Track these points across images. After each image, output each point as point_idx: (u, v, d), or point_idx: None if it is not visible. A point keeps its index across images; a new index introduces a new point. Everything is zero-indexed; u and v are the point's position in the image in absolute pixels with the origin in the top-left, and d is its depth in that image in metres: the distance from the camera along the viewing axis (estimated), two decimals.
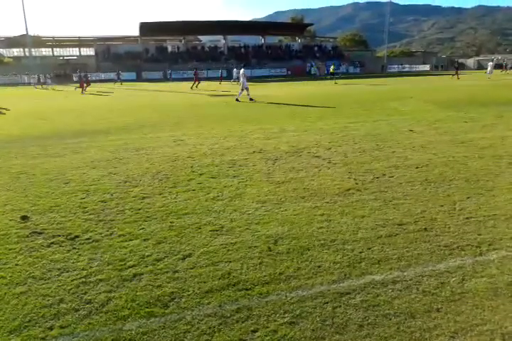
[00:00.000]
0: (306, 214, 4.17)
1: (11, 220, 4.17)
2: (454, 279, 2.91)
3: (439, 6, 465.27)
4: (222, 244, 3.54)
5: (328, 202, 4.52)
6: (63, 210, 4.43)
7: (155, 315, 2.59)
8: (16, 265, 3.24)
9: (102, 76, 45.80)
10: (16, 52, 60.36)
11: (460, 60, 62.83)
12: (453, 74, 34.78)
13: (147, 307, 2.67)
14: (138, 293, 2.83)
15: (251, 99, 16.84)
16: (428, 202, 4.45)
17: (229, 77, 37.15)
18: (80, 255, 3.40)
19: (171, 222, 4.05)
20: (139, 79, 46.82)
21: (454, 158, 6.30)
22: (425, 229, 3.76)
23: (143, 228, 3.92)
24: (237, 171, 5.88)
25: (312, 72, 52.75)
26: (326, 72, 54.49)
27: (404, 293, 2.76)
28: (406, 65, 64.21)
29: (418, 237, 3.59)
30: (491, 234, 3.62)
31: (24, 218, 4.22)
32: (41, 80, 34.87)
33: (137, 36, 57.43)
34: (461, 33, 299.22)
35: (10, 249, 3.52)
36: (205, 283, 2.94)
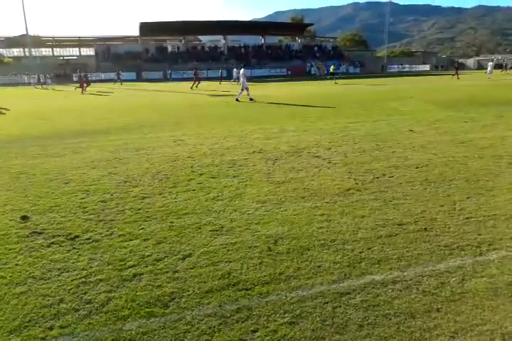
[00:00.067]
0: (306, 214, 4.17)
1: (11, 220, 4.18)
2: (454, 279, 2.91)
3: (439, 6, 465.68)
4: (222, 244, 3.54)
5: (328, 202, 4.52)
6: (63, 210, 4.43)
7: (155, 315, 2.59)
8: (16, 265, 3.24)
9: (102, 76, 45.79)
10: (16, 52, 60.38)
11: (460, 60, 62.84)
12: (453, 74, 34.81)
13: (147, 307, 2.67)
14: (138, 293, 2.83)
15: (251, 99, 16.84)
16: (428, 202, 4.45)
17: (229, 77, 37.15)
18: (80, 255, 3.40)
19: (171, 222, 4.05)
20: (139, 79, 46.84)
21: (454, 158, 6.31)
22: (425, 229, 3.76)
23: (143, 228, 3.92)
24: (237, 171, 5.88)
25: (312, 72, 52.79)
26: (326, 72, 54.53)
27: (404, 293, 2.76)
28: (406, 65, 64.23)
29: (418, 237, 3.59)
30: (491, 234, 3.62)
31: (24, 218, 4.22)
32: (41, 80, 34.80)
33: (137, 36, 57.45)
34: (461, 33, 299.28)
35: (10, 249, 3.52)
36: (205, 283, 2.94)
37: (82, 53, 63.31)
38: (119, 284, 2.95)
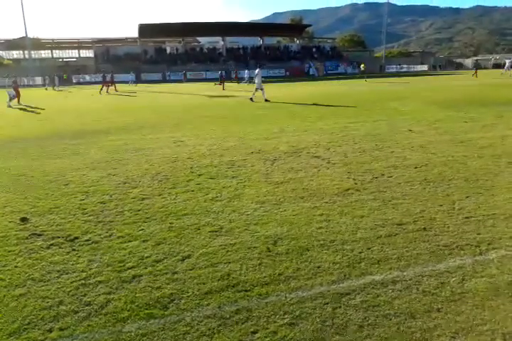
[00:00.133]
0: (305, 215, 4.16)
1: (10, 222, 4.17)
2: (453, 279, 2.91)
3: (437, 7, 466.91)
4: (221, 245, 3.54)
5: (327, 202, 4.51)
6: (63, 212, 4.42)
7: (154, 316, 2.58)
8: (16, 267, 3.23)
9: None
10: (15, 54, 60.38)
11: (458, 60, 63.01)
12: (473, 74, 35.63)
13: (146, 309, 2.66)
14: (137, 295, 2.82)
15: (266, 100, 16.84)
16: (427, 201, 4.45)
17: (228, 79, 37.16)
18: (79, 257, 3.39)
19: (170, 223, 4.04)
20: (138, 80, 46.83)
21: (454, 158, 6.31)
22: (424, 228, 3.76)
23: (142, 229, 3.92)
24: (236, 172, 5.88)
25: (311, 73, 52.92)
26: (324, 72, 54.67)
27: (404, 293, 2.76)
28: (404, 65, 64.40)
29: (417, 237, 3.59)
30: (491, 234, 3.61)
31: (23, 220, 4.21)
32: (55, 82, 34.13)
33: (136, 38, 57.53)
34: (459, 33, 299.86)
35: (9, 251, 3.51)
36: (204, 284, 2.94)
37: (82, 55, 63.34)
38: (119, 286, 2.94)
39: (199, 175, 5.75)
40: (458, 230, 3.71)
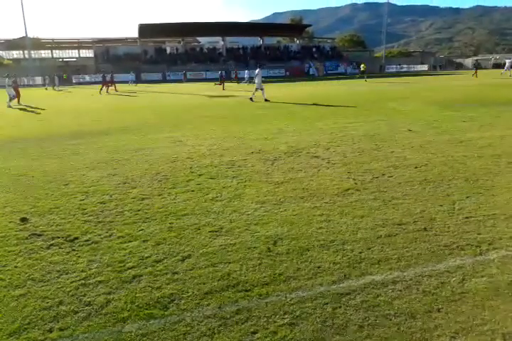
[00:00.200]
0: (305, 215, 4.16)
1: (10, 222, 4.16)
2: (454, 279, 2.90)
3: (437, 7, 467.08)
4: (221, 245, 3.54)
5: (327, 202, 4.51)
6: (62, 212, 4.42)
7: (154, 316, 2.58)
8: (15, 267, 3.23)
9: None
10: (15, 54, 60.38)
11: (458, 60, 63.03)
12: (473, 74, 35.58)
13: (147, 309, 2.66)
14: (137, 295, 2.82)
15: (266, 100, 16.86)
16: (427, 201, 4.45)
17: (228, 79, 37.16)
18: (79, 257, 3.39)
19: (170, 223, 4.04)
20: (138, 80, 46.82)
21: (453, 158, 6.31)
22: (425, 228, 3.76)
23: (142, 229, 3.91)
24: (236, 172, 5.88)
25: (311, 73, 52.95)
26: (324, 72, 54.69)
27: (404, 293, 2.75)
28: (404, 65, 64.41)
29: (418, 237, 3.59)
30: (491, 234, 3.61)
31: (23, 220, 4.21)
32: (55, 82, 34.07)
33: (136, 38, 57.51)
34: (459, 33, 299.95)
35: (9, 251, 3.51)
36: (204, 284, 2.94)
37: (82, 55, 63.34)
38: (119, 286, 2.94)
39: (199, 175, 5.75)
40: (458, 230, 3.70)
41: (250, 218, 4.12)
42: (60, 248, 3.56)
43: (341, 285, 2.87)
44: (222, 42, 59.16)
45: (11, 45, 58.92)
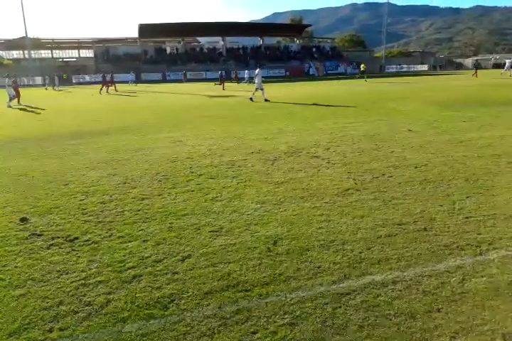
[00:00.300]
0: (305, 215, 4.16)
1: (10, 222, 4.16)
2: (454, 279, 2.90)
3: (437, 7, 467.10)
4: (221, 245, 3.53)
5: (327, 203, 4.51)
6: (62, 212, 4.42)
7: (154, 316, 2.58)
8: (16, 267, 3.23)
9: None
10: (15, 54, 60.38)
11: (458, 60, 63.03)
12: (473, 74, 35.52)
13: (147, 309, 2.66)
14: (137, 295, 2.82)
15: (266, 100, 16.86)
16: (427, 201, 4.45)
17: (228, 78, 37.16)
18: (79, 257, 3.39)
19: (170, 223, 4.04)
20: (138, 80, 46.83)
21: (453, 158, 6.31)
22: (425, 228, 3.76)
23: (142, 229, 3.91)
24: (236, 172, 5.88)
25: (311, 73, 52.96)
26: (324, 72, 54.71)
27: (404, 293, 2.75)
28: (404, 65, 64.42)
29: (418, 237, 3.59)
30: (491, 234, 3.61)
31: (23, 220, 4.21)
32: (55, 82, 34.00)
33: (136, 38, 57.51)
34: (459, 33, 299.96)
35: (9, 251, 3.51)
36: (204, 284, 2.94)
37: (82, 55, 63.34)
38: (119, 286, 2.94)
39: (199, 175, 5.75)
40: (458, 230, 3.70)
41: (250, 218, 4.12)
42: (60, 248, 3.56)
43: (341, 285, 2.87)
44: (222, 42, 59.16)
45: (11, 45, 58.92)
